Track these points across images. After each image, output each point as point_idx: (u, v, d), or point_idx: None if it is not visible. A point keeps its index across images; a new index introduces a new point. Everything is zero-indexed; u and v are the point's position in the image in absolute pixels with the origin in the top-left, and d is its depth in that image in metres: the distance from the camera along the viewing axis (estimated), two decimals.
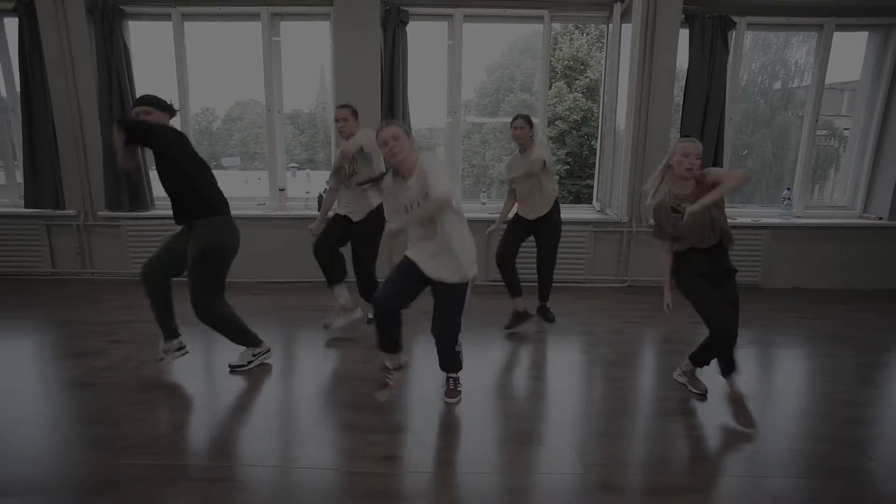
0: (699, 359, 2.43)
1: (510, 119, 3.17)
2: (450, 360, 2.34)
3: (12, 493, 1.69)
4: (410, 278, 2.18)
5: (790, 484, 1.81)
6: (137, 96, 2.40)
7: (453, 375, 2.40)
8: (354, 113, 3.03)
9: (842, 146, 5.05)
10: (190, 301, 2.44)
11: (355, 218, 3.09)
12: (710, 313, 2.21)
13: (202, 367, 2.73)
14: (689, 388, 2.48)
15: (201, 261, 2.37)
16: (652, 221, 2.34)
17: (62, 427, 2.09)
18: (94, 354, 2.78)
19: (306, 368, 2.77)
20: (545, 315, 3.42)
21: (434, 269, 2.15)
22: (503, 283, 3.30)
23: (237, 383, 2.51)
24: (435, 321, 2.26)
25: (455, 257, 2.12)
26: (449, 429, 2.17)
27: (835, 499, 1.74)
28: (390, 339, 2.29)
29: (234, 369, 2.62)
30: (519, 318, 3.26)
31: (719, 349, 2.28)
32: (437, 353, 2.33)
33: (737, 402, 2.21)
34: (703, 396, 2.43)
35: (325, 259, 3.14)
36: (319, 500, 1.68)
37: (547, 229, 3.22)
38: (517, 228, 3.26)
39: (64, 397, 2.34)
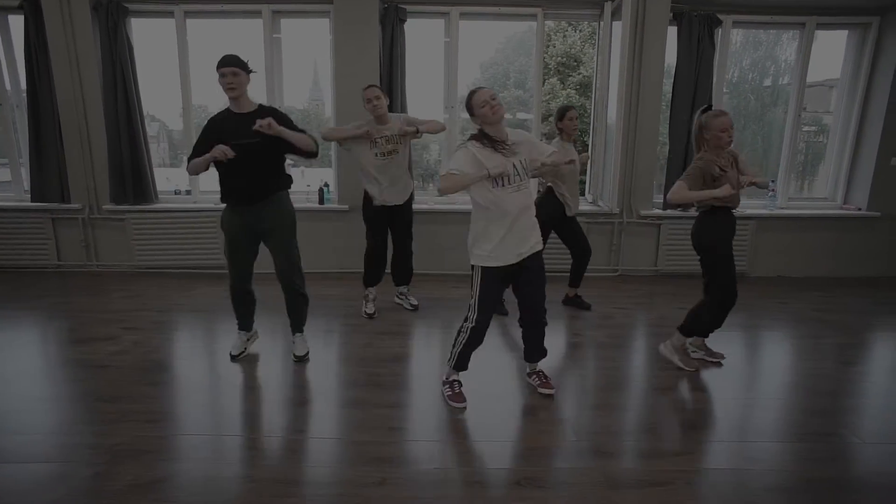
0: (706, 329, 2.63)
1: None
2: (541, 346, 2.36)
3: (44, 460, 1.81)
4: (500, 291, 2.22)
5: (769, 447, 1.97)
6: (221, 57, 2.24)
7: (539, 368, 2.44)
8: (385, 92, 3.18)
9: (827, 142, 5.21)
10: (288, 278, 2.50)
11: (398, 201, 3.23)
12: (732, 282, 2.47)
13: (216, 351, 2.84)
14: (708, 359, 2.70)
15: (294, 232, 2.50)
16: (689, 174, 2.42)
17: (84, 403, 2.21)
18: (107, 340, 2.88)
19: (313, 351, 2.89)
20: (581, 302, 3.65)
21: (530, 244, 2.15)
22: None
23: (249, 365, 2.63)
24: (533, 305, 2.23)
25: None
26: (450, 405, 2.30)
27: (812, 458, 1.90)
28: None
29: (300, 359, 2.65)
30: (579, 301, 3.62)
31: (724, 314, 2.55)
32: (530, 340, 2.34)
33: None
34: (720, 363, 2.68)
35: (381, 261, 3.39)
36: (328, 466, 1.81)
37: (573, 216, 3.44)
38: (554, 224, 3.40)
39: (82, 378, 2.44)
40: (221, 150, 2.21)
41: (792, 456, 1.91)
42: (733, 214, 2.48)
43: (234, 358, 2.66)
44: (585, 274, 3.58)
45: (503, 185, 2.05)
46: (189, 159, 2.38)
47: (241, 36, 4.35)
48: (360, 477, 1.74)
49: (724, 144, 2.38)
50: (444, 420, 2.16)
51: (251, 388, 2.42)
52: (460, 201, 4.18)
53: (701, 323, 2.61)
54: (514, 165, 2.06)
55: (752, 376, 2.64)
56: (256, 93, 4.66)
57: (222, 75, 2.25)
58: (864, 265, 4.46)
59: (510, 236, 2.08)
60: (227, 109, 2.39)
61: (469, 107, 2.08)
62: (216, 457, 1.86)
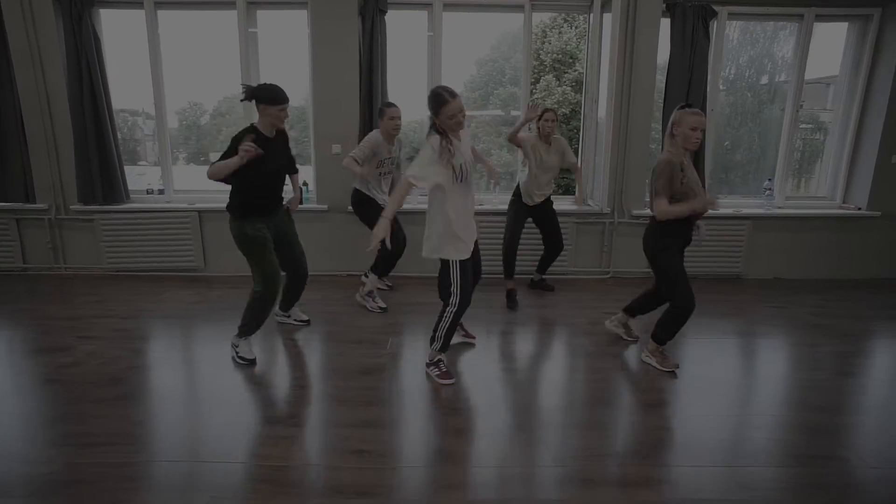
0: (663, 336, 2.54)
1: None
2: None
3: None
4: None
5: (764, 473, 1.81)
6: (273, 92, 2.41)
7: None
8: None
9: (826, 140, 5.07)
10: (305, 263, 2.86)
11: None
12: (685, 290, 2.41)
13: (176, 363, 2.67)
14: (661, 367, 2.56)
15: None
16: (658, 180, 2.36)
17: (22, 425, 2.03)
18: (62, 350, 2.71)
19: (282, 364, 2.72)
20: (545, 285, 3.86)
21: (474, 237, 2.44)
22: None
23: (208, 379, 2.46)
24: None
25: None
26: (421, 423, 2.13)
27: (807, 485, 1.74)
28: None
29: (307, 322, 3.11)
30: (514, 295, 3.57)
31: (681, 323, 2.46)
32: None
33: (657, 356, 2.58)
34: (674, 373, 2.53)
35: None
36: (282, 497, 1.64)
37: (550, 210, 3.63)
38: (521, 217, 3.56)
39: (27, 394, 2.27)
40: (249, 148, 2.27)
41: (787, 483, 1.76)
42: (686, 223, 2.42)
43: (251, 362, 2.60)
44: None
45: (462, 181, 2.24)
46: (213, 164, 2.41)
47: (216, 28, 4.15)
48: None
49: (691, 144, 2.34)
50: (413, 442, 1.99)
51: (207, 407, 2.25)
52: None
53: (669, 331, 2.52)
54: (466, 162, 2.27)
55: (746, 390, 2.49)
56: (233, 88, 4.47)
57: (282, 111, 2.43)
58: (864, 266, 4.31)
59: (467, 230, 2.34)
60: (256, 131, 2.45)
61: (438, 110, 2.13)
62: (156, 487, 1.68)
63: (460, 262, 2.32)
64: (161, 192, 4.28)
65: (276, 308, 3.03)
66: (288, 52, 4.28)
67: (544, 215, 3.60)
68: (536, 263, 3.84)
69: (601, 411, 2.23)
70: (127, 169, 4.18)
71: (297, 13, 4.04)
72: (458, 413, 2.19)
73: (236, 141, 2.38)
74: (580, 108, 4.60)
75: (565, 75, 14.60)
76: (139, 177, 4.63)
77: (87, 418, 2.07)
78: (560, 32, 14.88)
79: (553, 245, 3.67)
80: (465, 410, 2.21)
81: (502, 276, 3.60)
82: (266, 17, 4.11)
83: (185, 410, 2.21)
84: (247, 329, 2.62)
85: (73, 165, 3.95)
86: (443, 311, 2.41)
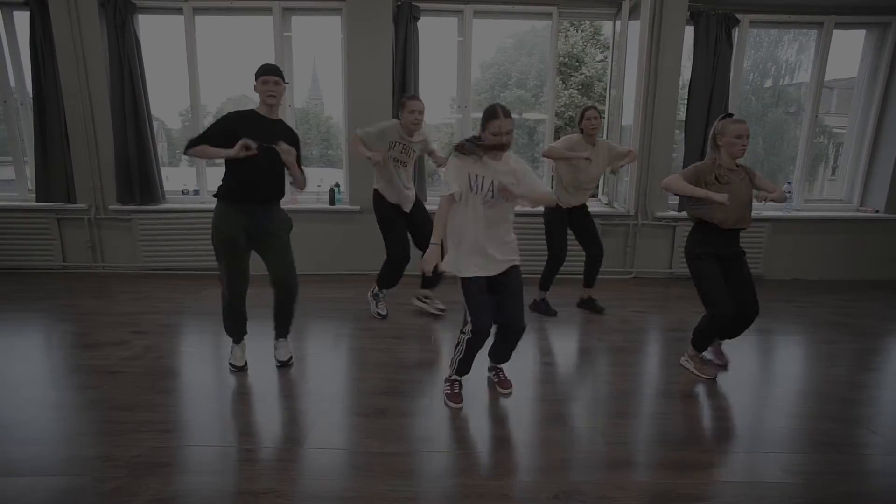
0: (699, 343, 2.56)
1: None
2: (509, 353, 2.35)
3: (58, 472, 1.74)
4: (486, 294, 2.17)
5: (796, 458, 1.90)
6: (260, 67, 2.30)
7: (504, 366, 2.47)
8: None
9: (831, 143, 5.19)
10: (290, 280, 2.50)
11: (408, 209, 3.26)
12: (715, 297, 2.40)
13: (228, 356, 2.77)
14: (698, 373, 2.57)
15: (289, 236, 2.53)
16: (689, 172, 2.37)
17: (98, 412, 2.13)
18: (118, 344, 2.81)
19: (328, 358, 2.82)
20: (595, 306, 3.56)
21: (504, 259, 2.16)
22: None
23: (262, 373, 2.55)
24: (512, 313, 2.17)
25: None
26: (475, 412, 2.23)
27: (838, 471, 1.83)
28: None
29: (284, 364, 2.61)
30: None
31: (717, 331, 2.46)
32: (506, 347, 2.30)
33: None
34: (713, 380, 2.53)
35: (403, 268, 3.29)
36: (357, 479, 1.75)
37: (586, 213, 3.43)
38: (563, 225, 3.35)
39: (94, 385, 2.37)
40: (245, 143, 2.17)
41: (819, 467, 1.85)
42: (723, 232, 2.41)
43: (239, 369, 2.53)
44: (598, 275, 3.52)
45: (477, 193, 2.07)
46: (193, 142, 2.27)
47: (252, 34, 4.27)
48: (390, 491, 1.68)
49: (736, 152, 2.32)
50: (471, 430, 2.09)
51: (266, 397, 2.35)
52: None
53: (703, 337, 2.54)
54: (493, 182, 2.07)
55: (770, 382, 2.59)
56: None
57: (265, 83, 2.28)
58: (881, 267, 4.41)
59: (487, 256, 2.12)
60: (252, 111, 2.37)
61: (485, 124, 2.04)
62: (238, 469, 1.79)
63: (467, 281, 2.12)
64: (196, 192, 4.39)
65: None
66: (321, 58, 4.38)
67: (582, 219, 3.40)
68: (540, 275, 3.49)
69: (636, 402, 2.33)
70: None
71: (331, 19, 4.16)
72: (504, 403, 2.29)
73: (226, 120, 2.28)
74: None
75: (571, 78, 14.73)
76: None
77: (158, 407, 2.17)
78: (566, 36, 15.02)
79: (594, 250, 3.42)
80: (510, 401, 2.31)
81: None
82: (300, 23, 4.23)
83: (246, 400, 2.30)
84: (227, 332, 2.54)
85: (113, 166, 4.06)
86: (458, 338, 2.21)
